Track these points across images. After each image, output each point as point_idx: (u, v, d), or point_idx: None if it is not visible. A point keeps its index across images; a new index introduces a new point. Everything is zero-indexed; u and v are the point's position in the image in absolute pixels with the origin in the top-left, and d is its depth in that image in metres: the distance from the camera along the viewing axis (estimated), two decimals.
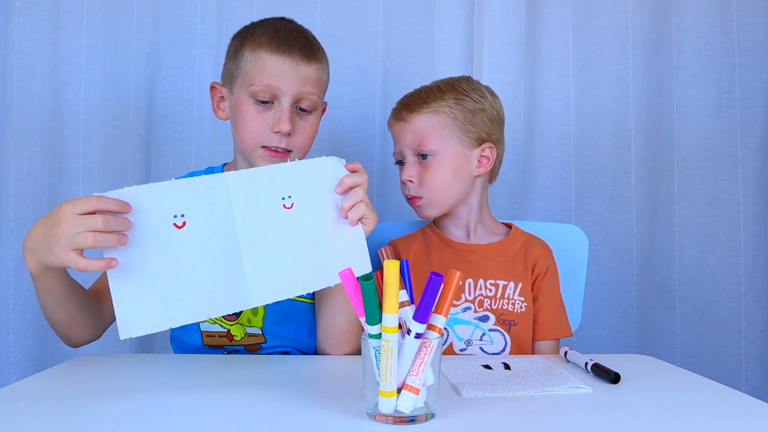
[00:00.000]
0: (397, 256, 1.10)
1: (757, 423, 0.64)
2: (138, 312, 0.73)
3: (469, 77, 1.13)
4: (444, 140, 1.06)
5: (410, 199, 1.10)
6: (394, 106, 1.13)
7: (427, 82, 1.14)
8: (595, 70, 1.57)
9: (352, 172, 0.87)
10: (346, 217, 0.85)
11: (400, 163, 1.11)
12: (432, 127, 1.06)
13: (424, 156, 1.06)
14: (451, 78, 1.13)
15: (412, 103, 1.09)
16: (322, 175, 0.86)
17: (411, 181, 1.07)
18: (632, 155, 1.57)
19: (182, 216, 0.76)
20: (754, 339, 1.54)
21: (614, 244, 1.57)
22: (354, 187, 0.86)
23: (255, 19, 1.05)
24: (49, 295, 0.83)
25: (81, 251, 0.73)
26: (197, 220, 0.77)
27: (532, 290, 1.08)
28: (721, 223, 1.57)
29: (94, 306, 0.92)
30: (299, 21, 1.07)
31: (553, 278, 1.10)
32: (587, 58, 1.57)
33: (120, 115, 1.45)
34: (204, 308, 0.76)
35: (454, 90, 1.08)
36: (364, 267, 0.86)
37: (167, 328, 0.74)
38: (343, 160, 0.88)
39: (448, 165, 1.06)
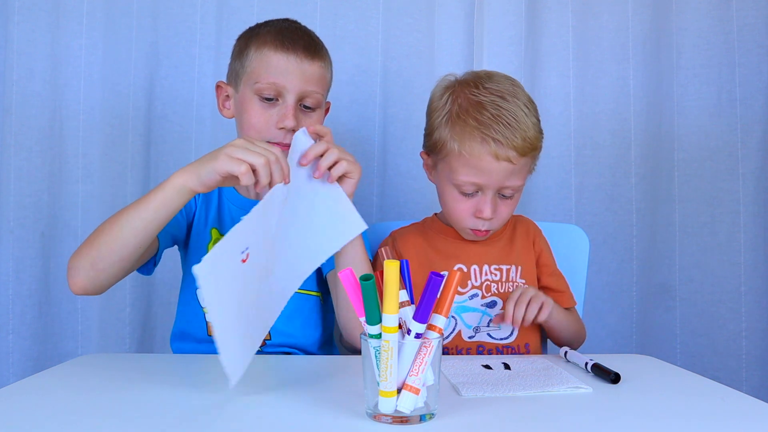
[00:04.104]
0: (397, 249, 1.11)
1: (757, 423, 0.64)
2: (236, 355, 0.71)
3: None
4: (525, 178, 1.05)
5: (476, 232, 1.05)
6: (493, 136, 0.98)
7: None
8: (595, 70, 1.57)
9: (320, 136, 0.89)
10: (321, 177, 0.85)
11: (466, 193, 1.03)
12: (526, 167, 1.05)
13: (506, 193, 1.03)
14: (533, 104, 1.04)
15: (521, 147, 0.99)
16: (293, 155, 0.84)
17: (491, 218, 1.03)
18: (632, 155, 1.57)
19: (247, 249, 0.72)
20: (754, 339, 1.54)
21: (614, 244, 1.56)
22: (324, 153, 0.85)
23: (255, 19, 1.06)
24: (149, 214, 0.81)
25: (244, 168, 0.76)
26: (253, 249, 0.74)
27: (538, 264, 1.10)
28: (721, 223, 1.56)
29: (144, 258, 0.94)
30: (299, 21, 1.08)
31: (549, 249, 1.14)
32: (587, 58, 1.57)
33: (120, 115, 1.45)
34: (259, 331, 0.78)
35: (539, 130, 1.04)
36: (358, 225, 0.85)
37: (248, 363, 0.73)
38: (305, 129, 0.87)
39: (518, 198, 1.06)
